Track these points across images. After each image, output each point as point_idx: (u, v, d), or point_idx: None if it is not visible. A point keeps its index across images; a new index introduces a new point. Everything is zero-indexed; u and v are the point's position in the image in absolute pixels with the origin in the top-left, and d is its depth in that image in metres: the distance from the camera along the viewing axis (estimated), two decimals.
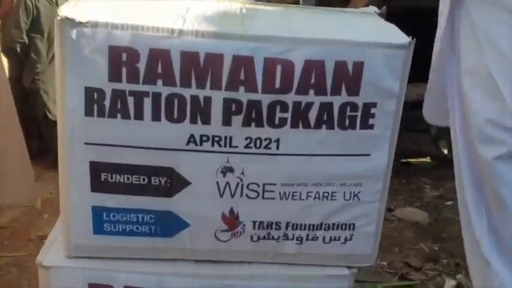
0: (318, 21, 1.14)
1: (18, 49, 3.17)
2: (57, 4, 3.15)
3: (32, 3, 3.14)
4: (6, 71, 3.06)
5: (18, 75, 3.24)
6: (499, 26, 1.30)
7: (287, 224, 1.12)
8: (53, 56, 3.23)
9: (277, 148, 1.05)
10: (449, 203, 3.03)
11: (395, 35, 1.06)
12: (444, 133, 3.46)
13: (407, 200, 3.11)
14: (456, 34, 1.46)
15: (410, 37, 1.03)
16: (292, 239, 1.14)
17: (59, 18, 0.98)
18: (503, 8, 1.29)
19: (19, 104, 2.93)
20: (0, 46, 3.22)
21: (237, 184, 1.08)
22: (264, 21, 1.10)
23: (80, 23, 0.97)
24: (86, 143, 1.04)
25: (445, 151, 3.58)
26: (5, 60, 3.15)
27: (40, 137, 3.37)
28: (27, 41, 3.16)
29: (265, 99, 1.01)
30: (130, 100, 1.01)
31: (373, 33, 1.07)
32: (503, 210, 1.38)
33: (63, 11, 0.99)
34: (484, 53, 1.33)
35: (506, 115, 1.32)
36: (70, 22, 0.97)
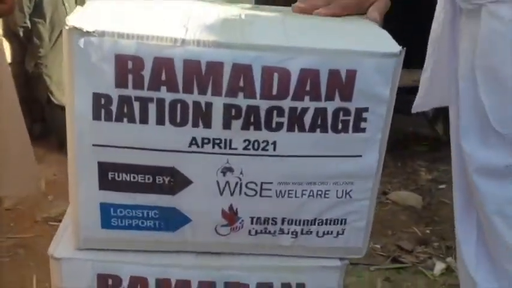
0: (314, 28, 1.19)
1: (21, 33, 3.19)
2: None
3: None
4: (9, 56, 3.10)
5: (21, 59, 3.27)
6: (495, 38, 1.24)
7: (283, 220, 1.19)
8: (56, 40, 3.26)
9: (274, 150, 1.11)
10: (442, 186, 3.10)
11: (387, 43, 1.11)
12: (441, 116, 3.52)
13: (402, 183, 3.18)
14: (457, 35, 1.43)
15: (401, 46, 1.08)
16: (288, 233, 1.21)
17: (67, 27, 1.03)
18: (495, 16, 1.22)
19: (22, 88, 2.98)
20: (2, 31, 3.24)
21: (236, 183, 1.14)
22: (262, 29, 1.15)
23: (88, 32, 1.02)
24: (94, 145, 1.10)
25: (441, 133, 3.63)
26: (6, 45, 3.17)
27: (43, 120, 3.42)
28: (29, 25, 3.18)
29: (263, 104, 1.07)
30: (136, 105, 1.06)
31: (366, 41, 1.12)
32: (490, 228, 1.37)
33: (71, 20, 1.04)
34: (476, 65, 1.31)
35: (489, 132, 1.31)
36: (78, 31, 1.02)
